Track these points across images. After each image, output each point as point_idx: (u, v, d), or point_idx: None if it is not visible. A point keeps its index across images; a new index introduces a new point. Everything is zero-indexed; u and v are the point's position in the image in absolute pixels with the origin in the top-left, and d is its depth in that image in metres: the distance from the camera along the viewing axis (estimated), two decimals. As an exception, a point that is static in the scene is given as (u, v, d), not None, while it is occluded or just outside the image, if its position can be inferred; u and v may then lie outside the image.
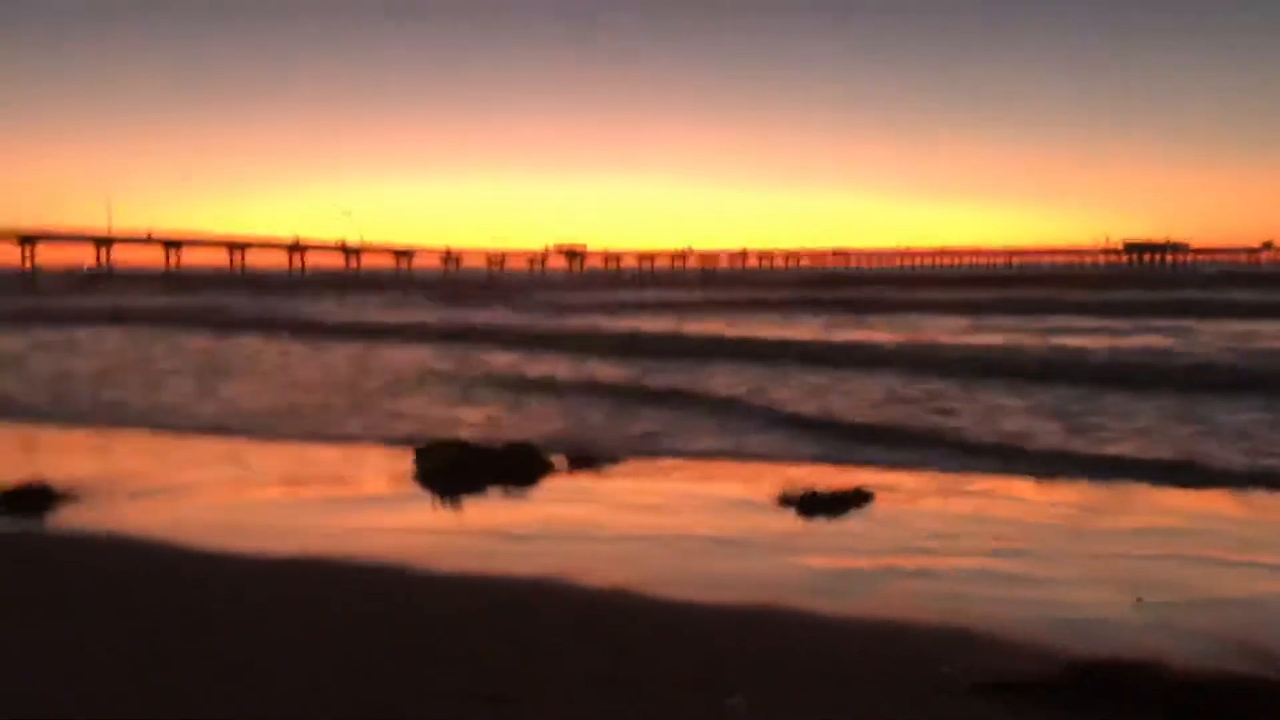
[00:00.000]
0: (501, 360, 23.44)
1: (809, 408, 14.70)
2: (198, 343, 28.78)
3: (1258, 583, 6.64)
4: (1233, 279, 72.96)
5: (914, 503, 9.08)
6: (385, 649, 5.19)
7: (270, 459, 11.88)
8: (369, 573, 6.84)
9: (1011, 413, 13.98)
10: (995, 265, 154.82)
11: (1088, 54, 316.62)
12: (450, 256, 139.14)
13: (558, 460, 11.02)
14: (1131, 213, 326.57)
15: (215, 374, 20.85)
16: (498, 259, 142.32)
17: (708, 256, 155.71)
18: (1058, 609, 5.96)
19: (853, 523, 8.38)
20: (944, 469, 10.41)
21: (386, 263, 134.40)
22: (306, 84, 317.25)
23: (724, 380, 18.38)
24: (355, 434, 13.54)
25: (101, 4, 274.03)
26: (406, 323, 37.52)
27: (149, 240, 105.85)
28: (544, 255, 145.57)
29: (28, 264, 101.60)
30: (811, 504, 8.79)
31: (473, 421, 14.37)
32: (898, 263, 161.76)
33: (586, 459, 11.23)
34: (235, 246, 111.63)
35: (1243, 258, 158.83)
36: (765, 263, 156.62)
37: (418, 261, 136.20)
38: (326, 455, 12.10)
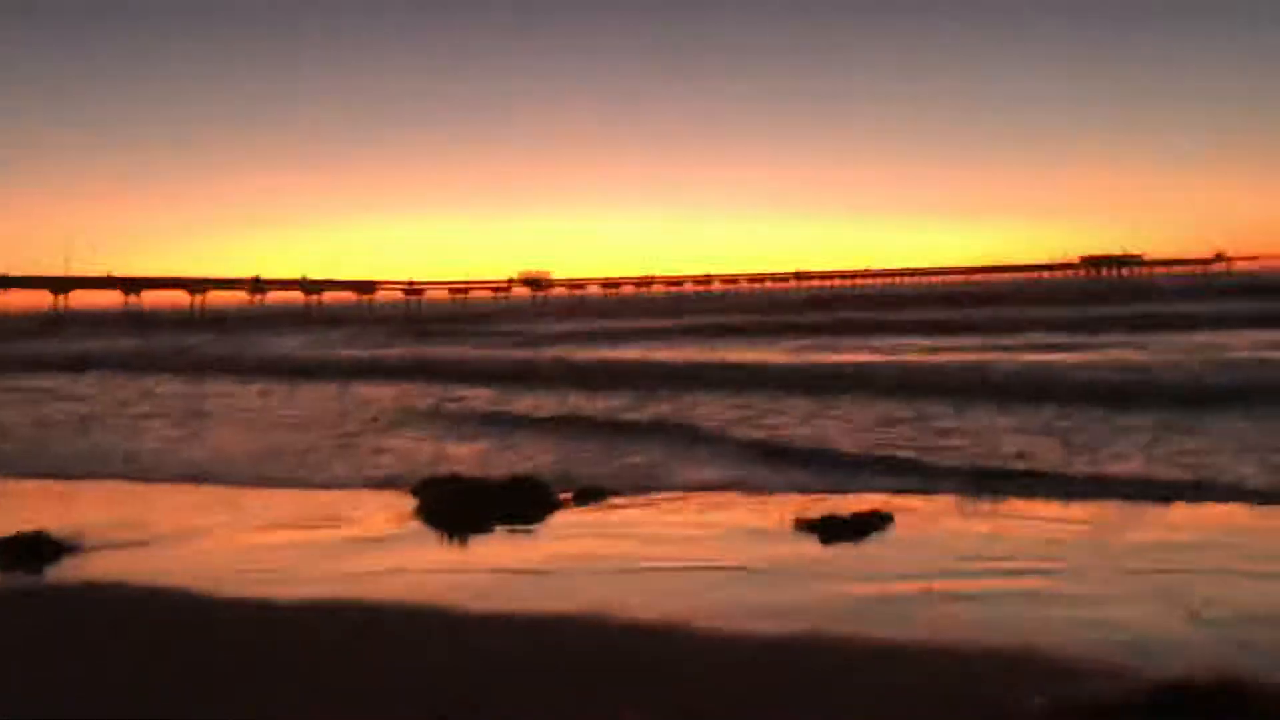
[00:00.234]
0: (479, 395, 23.25)
1: (803, 434, 14.72)
2: (171, 387, 28.37)
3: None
4: (1192, 292, 74.07)
5: (932, 525, 9.08)
6: (441, 693, 5.10)
7: (265, 503, 11.67)
8: (408, 615, 6.75)
9: (1006, 432, 14.05)
10: (956, 284, 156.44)
11: (1042, 72, 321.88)
12: (412, 289, 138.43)
13: (563, 495, 10.97)
14: (1087, 227, 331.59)
15: (194, 418, 20.53)
16: (461, 291, 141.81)
17: (672, 282, 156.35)
18: (1111, 629, 5.93)
19: (877, 547, 8.38)
20: (951, 492, 10.40)
21: (348, 298, 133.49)
22: (265, 125, 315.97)
23: (709, 409, 18.35)
24: (346, 475, 13.39)
25: (54, 42, 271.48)
26: (377, 358, 37.26)
27: (108, 281, 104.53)
28: (508, 285, 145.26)
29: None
30: (832, 528, 8.79)
31: (462, 458, 14.25)
32: (858, 284, 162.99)
33: (592, 493, 11.16)
34: (196, 286, 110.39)
35: (1197, 269, 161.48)
36: (730, 287, 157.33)
37: (379, 295, 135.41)
38: (323, 498, 11.90)
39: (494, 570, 8.15)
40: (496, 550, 9.04)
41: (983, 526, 8.88)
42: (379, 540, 9.51)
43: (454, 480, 11.50)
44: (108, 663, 5.78)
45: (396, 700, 5.12)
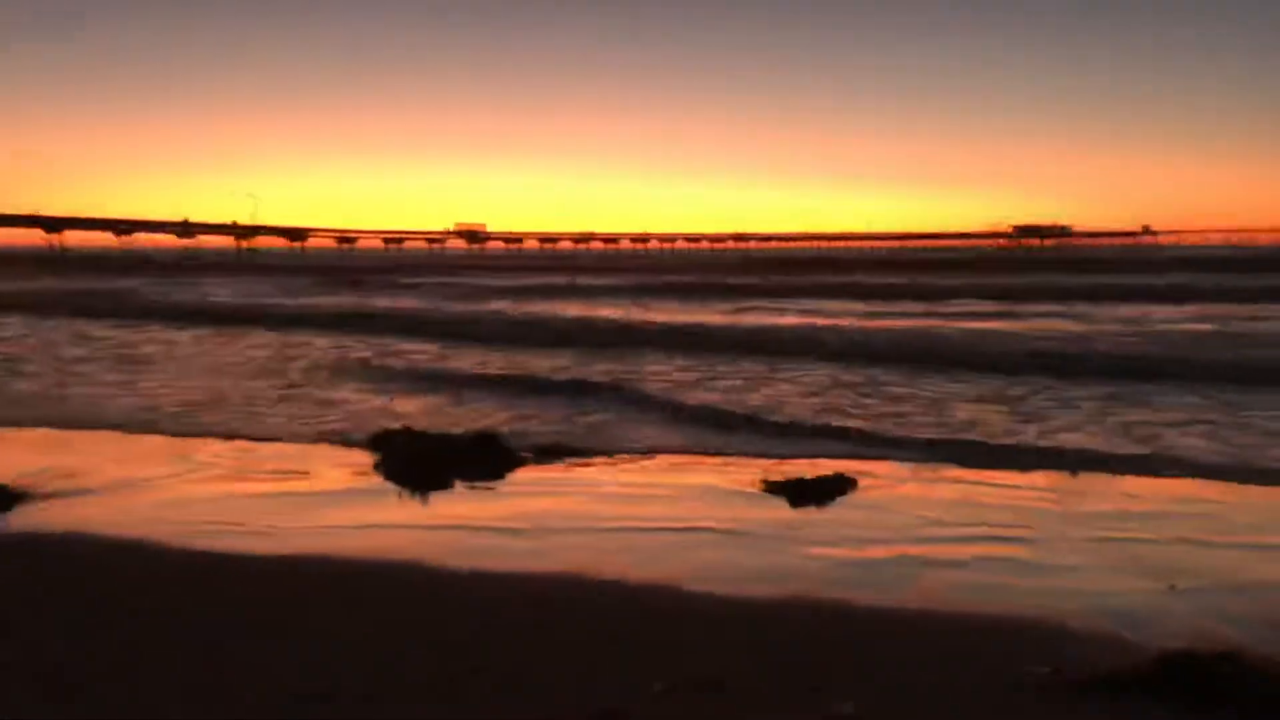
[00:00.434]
0: (423, 350, 22.90)
1: (756, 398, 14.73)
2: (102, 331, 27.58)
3: (1272, 565, 6.85)
4: (1121, 264, 75.62)
5: (895, 490, 9.13)
6: (449, 654, 5.01)
7: (213, 454, 11.36)
8: (391, 572, 6.65)
9: (956, 400, 14.21)
10: (892, 249, 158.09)
11: (979, 47, 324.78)
12: (345, 238, 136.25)
13: (522, 453, 10.83)
14: (1018, 198, 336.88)
15: (129, 365, 20.01)
16: (395, 241, 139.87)
17: (609, 239, 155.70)
18: (1093, 597, 6.03)
19: (846, 510, 8.43)
20: (908, 458, 10.47)
21: (280, 244, 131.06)
22: (198, 67, 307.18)
23: (659, 369, 18.32)
24: (292, 427, 13.12)
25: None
26: (313, 307, 36.66)
27: (33, 220, 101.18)
28: (443, 237, 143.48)
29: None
30: (799, 491, 8.84)
31: (410, 414, 14.03)
32: (795, 246, 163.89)
33: (552, 450, 11.05)
34: (123, 227, 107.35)
35: (1126, 241, 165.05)
36: (667, 246, 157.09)
37: (312, 243, 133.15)
38: (273, 450, 11.62)
39: (468, 527, 8.03)
40: (466, 507, 8.92)
41: (945, 493, 8.95)
42: (340, 494, 9.34)
43: (413, 434, 11.31)
44: (74, 622, 5.59)
45: (402, 660, 5.00)
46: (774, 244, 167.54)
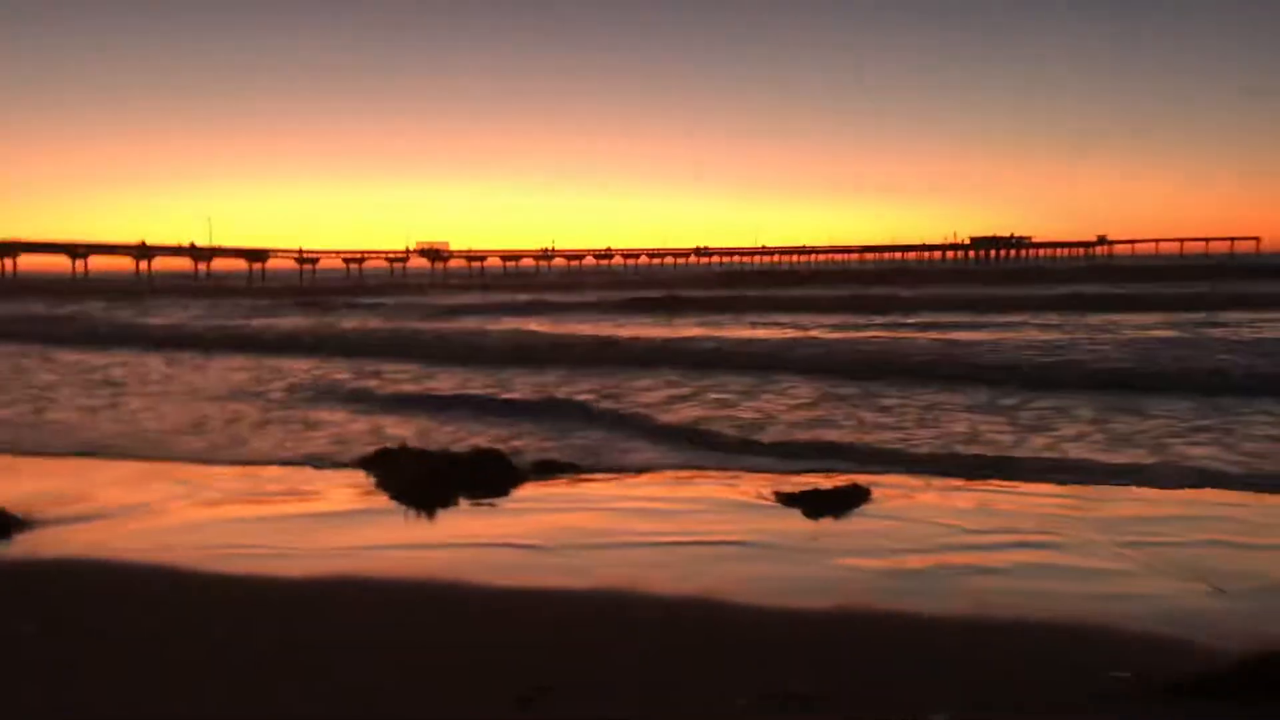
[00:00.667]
0: (400, 370, 22.67)
1: (748, 413, 14.70)
2: (70, 356, 27.10)
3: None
4: (1077, 274, 76.52)
5: (909, 500, 9.12)
6: (512, 671, 4.93)
7: (209, 478, 11.12)
8: (428, 592, 6.55)
9: (950, 412, 14.26)
10: (851, 261, 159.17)
11: (935, 60, 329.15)
12: (305, 258, 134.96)
13: (523, 469, 10.74)
14: (974, 210, 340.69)
15: (104, 390, 19.64)
16: (355, 260, 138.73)
17: (573, 256, 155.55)
18: (1149, 601, 6.04)
19: (866, 521, 8.42)
20: (915, 469, 10.46)
21: (238, 266, 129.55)
22: (152, 84, 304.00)
23: (645, 384, 18.26)
24: (283, 450, 12.92)
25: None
26: (283, 330, 36.22)
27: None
28: (405, 256, 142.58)
29: None
30: (814, 502, 8.82)
31: (399, 435, 13.85)
32: (756, 260, 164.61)
33: (552, 466, 10.97)
34: (77, 251, 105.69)
35: (1081, 251, 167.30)
36: (631, 262, 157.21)
37: (271, 264, 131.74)
38: (270, 473, 11.40)
39: (492, 545, 7.94)
40: (482, 524, 8.84)
41: (961, 503, 8.97)
42: (351, 514, 9.23)
43: (414, 452, 11.20)
44: (105, 649, 5.45)
45: (466, 680, 4.91)
46: (736, 258, 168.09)
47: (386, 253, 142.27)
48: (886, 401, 15.33)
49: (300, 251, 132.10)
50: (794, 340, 27.06)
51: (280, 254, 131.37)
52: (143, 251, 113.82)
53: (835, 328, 33.01)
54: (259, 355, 27.14)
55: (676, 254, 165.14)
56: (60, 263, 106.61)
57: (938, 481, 9.87)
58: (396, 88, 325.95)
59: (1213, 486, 9.42)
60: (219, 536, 8.33)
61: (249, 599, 6.49)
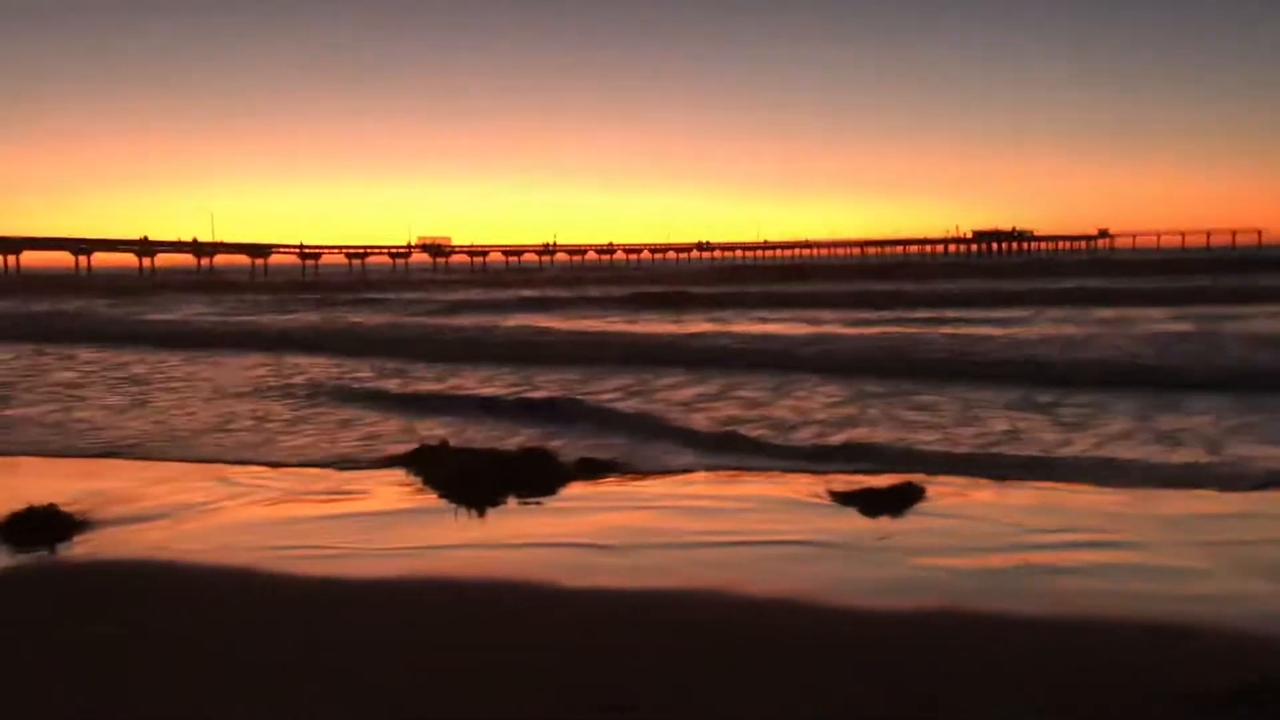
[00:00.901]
0: (418, 368, 22.54)
1: (782, 411, 14.63)
2: (87, 354, 27.07)
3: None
4: (1082, 267, 76.38)
5: (965, 498, 9.05)
6: (612, 679, 4.91)
7: (254, 477, 11.06)
8: (506, 591, 6.54)
9: (985, 409, 14.18)
10: (854, 257, 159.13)
11: (937, 55, 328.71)
12: (308, 253, 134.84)
13: (569, 468, 10.72)
14: (976, 204, 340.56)
15: (127, 388, 19.61)
16: (358, 256, 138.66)
17: (574, 252, 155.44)
18: (1237, 603, 5.99)
19: (929, 520, 8.36)
20: (963, 468, 10.38)
21: (241, 262, 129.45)
22: (157, 82, 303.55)
23: (671, 383, 18.10)
24: (321, 447, 12.90)
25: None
26: (293, 326, 36.15)
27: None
28: (407, 251, 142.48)
29: None
30: (870, 500, 8.79)
31: (433, 435, 13.79)
32: (760, 255, 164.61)
33: (596, 466, 10.93)
34: (80, 247, 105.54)
35: (1082, 244, 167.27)
36: (633, 257, 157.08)
37: (274, 260, 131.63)
38: (314, 471, 11.37)
39: (553, 544, 7.90)
40: (538, 523, 8.80)
41: (1020, 500, 8.91)
42: (402, 513, 9.22)
43: (454, 450, 11.17)
44: (185, 651, 5.48)
45: (561, 688, 4.90)
46: (739, 253, 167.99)
47: (389, 248, 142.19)
48: (919, 399, 15.28)
49: (301, 247, 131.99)
50: (810, 336, 26.90)
51: (282, 249, 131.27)
52: (145, 247, 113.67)
53: (847, 323, 32.97)
54: (276, 352, 27.09)
55: (679, 249, 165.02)
56: (63, 259, 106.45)
57: (989, 480, 9.78)
58: (398, 83, 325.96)
59: (1278, 487, 9.27)
60: (277, 536, 8.32)
61: (325, 600, 6.47)
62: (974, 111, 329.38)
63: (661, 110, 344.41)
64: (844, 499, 8.93)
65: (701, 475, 10.68)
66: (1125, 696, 4.61)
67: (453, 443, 12.58)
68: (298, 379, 20.66)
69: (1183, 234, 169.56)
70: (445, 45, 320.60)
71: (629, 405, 15.67)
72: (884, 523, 8.33)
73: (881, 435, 12.54)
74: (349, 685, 5.02)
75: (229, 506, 9.53)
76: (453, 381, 19.92)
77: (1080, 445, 11.48)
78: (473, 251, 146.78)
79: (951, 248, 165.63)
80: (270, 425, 14.87)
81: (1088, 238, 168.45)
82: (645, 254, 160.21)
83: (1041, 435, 12.18)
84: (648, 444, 12.59)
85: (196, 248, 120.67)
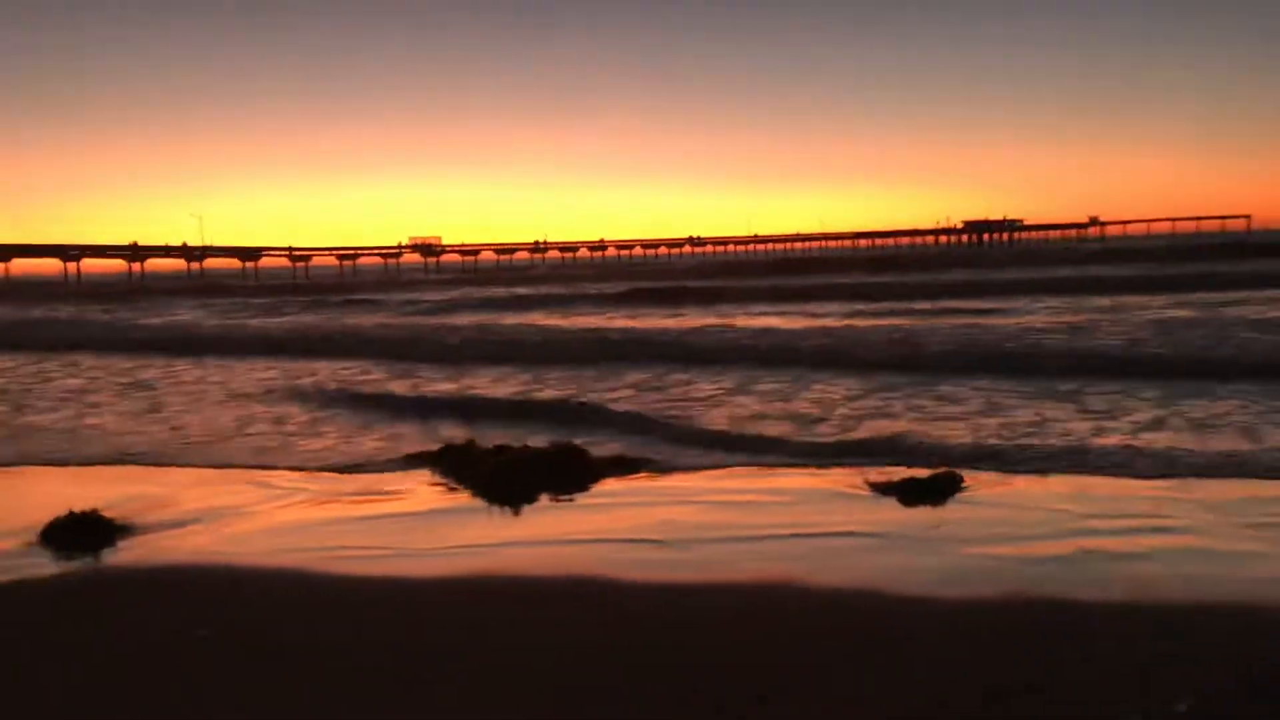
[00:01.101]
0: (427, 368, 22.41)
1: (802, 407, 14.55)
2: (91, 361, 26.90)
3: None
4: (1073, 256, 76.57)
5: (1004, 487, 9.05)
6: (735, 671, 4.91)
7: (286, 480, 10.97)
8: (566, 588, 6.54)
9: (1007, 398, 14.19)
10: (846, 249, 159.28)
11: (925, 47, 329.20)
12: (297, 256, 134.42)
13: (600, 464, 10.70)
14: (966, 194, 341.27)
15: (140, 395, 19.49)
16: (349, 257, 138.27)
17: (566, 249, 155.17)
18: None
19: (974, 509, 8.36)
20: (995, 460, 10.29)
21: (231, 265, 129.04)
22: (143, 85, 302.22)
23: (687, 377, 18.18)
24: (344, 450, 12.85)
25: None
26: (292, 329, 36.02)
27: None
28: (398, 251, 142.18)
29: None
30: (910, 490, 8.82)
31: (453, 436, 13.72)
32: (752, 249, 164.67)
33: (626, 462, 10.90)
34: (69, 253, 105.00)
35: (1073, 232, 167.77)
36: (624, 253, 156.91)
37: (264, 263, 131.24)
38: (339, 475, 11.29)
39: (605, 540, 7.88)
40: (584, 519, 8.79)
41: (1059, 489, 8.92)
42: (441, 512, 9.22)
43: (483, 449, 11.11)
44: (314, 657, 5.50)
45: (693, 680, 4.87)
46: (730, 247, 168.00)
47: (380, 249, 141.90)
48: (940, 390, 15.28)
49: (292, 249, 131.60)
50: (815, 329, 26.92)
51: (273, 252, 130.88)
52: (135, 253, 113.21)
53: (850, 315, 33.01)
54: (279, 355, 26.92)
55: (670, 244, 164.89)
56: (52, 266, 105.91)
57: (1024, 469, 9.79)
58: (386, 84, 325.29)
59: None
60: (324, 538, 8.30)
61: (391, 600, 6.48)
62: (962, 101, 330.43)
63: (649, 105, 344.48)
64: (883, 489, 8.96)
65: (737, 470, 10.66)
66: (1221, 680, 4.61)
67: (477, 443, 12.57)
68: (306, 381, 20.56)
69: (1173, 221, 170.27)
70: (432, 44, 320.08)
71: (648, 402, 15.63)
72: (929, 512, 8.35)
73: (905, 427, 12.52)
74: (482, 683, 5.02)
75: (267, 509, 9.50)
76: (464, 381, 19.83)
77: (1115, 434, 11.46)
78: (464, 251, 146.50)
79: (943, 238, 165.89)
80: (288, 428, 14.82)
81: (1078, 225, 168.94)
82: (637, 250, 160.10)
83: (1073, 425, 12.13)
84: (675, 440, 12.52)
85: (186, 252, 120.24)
